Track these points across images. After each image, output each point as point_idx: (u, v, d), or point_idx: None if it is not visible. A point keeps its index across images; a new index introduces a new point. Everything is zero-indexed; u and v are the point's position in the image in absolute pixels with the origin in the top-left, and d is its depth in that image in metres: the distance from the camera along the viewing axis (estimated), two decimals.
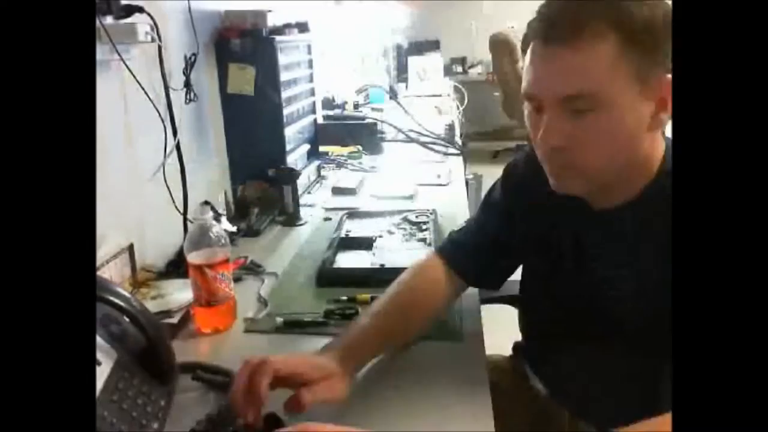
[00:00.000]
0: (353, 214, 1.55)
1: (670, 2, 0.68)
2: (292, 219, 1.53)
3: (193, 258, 0.96)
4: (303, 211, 1.59)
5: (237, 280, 1.19)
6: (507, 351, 1.18)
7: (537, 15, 0.73)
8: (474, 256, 0.97)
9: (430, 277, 0.96)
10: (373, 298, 1.00)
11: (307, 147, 1.84)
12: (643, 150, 0.75)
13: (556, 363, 0.94)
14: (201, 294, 0.97)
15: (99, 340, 0.70)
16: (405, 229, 1.42)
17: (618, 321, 0.80)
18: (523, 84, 0.75)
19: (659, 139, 0.77)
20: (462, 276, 0.97)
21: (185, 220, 1.29)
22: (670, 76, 0.69)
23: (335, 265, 1.23)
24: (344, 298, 1.07)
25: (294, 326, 0.99)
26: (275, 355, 0.73)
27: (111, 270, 1.06)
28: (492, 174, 1.15)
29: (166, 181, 1.22)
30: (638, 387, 0.80)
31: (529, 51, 0.74)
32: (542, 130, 0.72)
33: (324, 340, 0.95)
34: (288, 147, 1.60)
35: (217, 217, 1.42)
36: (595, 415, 0.92)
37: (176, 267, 1.22)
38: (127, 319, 0.72)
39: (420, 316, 0.92)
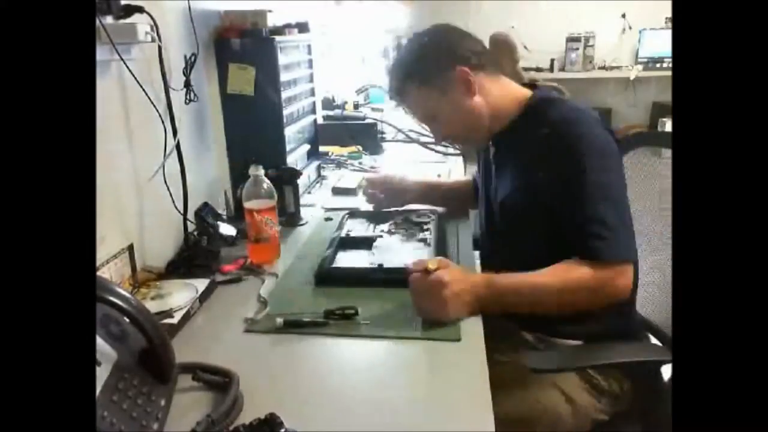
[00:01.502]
0: (354, 213, 1.55)
1: (428, 37, 1.22)
2: (292, 219, 1.53)
3: (250, 204, 1.26)
4: (303, 211, 1.59)
5: (237, 280, 1.19)
6: None
7: None
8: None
9: None
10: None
11: (307, 147, 1.84)
12: (484, 105, 1.19)
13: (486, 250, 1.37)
14: (254, 232, 1.26)
15: (99, 340, 0.70)
16: (405, 229, 1.42)
17: (504, 215, 1.23)
18: None
19: (508, 90, 1.23)
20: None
21: (185, 220, 1.29)
22: (456, 67, 1.16)
23: (334, 265, 1.23)
24: (338, 306, 1.06)
25: (294, 326, 0.99)
26: None
27: (111, 270, 1.06)
28: None
29: (166, 181, 1.21)
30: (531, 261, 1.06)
31: None
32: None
33: (324, 340, 0.95)
34: (288, 147, 1.60)
35: (216, 218, 1.43)
36: None
37: (176, 267, 1.22)
38: (127, 320, 0.72)
39: None
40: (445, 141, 1.35)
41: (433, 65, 1.18)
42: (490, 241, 1.33)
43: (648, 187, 1.31)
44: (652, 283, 1.31)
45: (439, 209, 1.53)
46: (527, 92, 1.22)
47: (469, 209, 1.59)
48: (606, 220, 1.03)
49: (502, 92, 1.21)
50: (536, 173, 1.11)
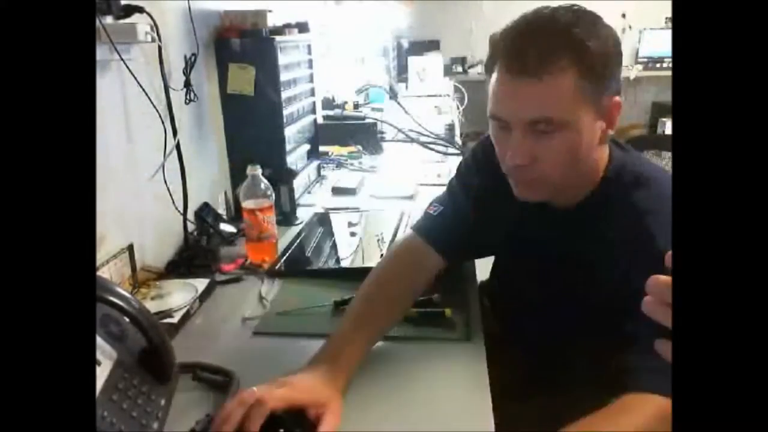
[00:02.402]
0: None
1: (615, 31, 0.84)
2: (288, 218, 1.53)
3: (248, 204, 1.26)
4: (303, 211, 1.59)
5: (237, 280, 1.19)
6: None
7: (505, 47, 0.82)
8: (450, 231, 1.04)
9: (411, 258, 1.02)
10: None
11: (307, 147, 1.84)
12: (593, 161, 0.87)
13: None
14: (253, 231, 1.26)
15: (99, 340, 0.70)
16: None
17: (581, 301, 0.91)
18: (491, 106, 0.85)
19: (604, 149, 0.89)
20: (440, 252, 1.02)
21: (185, 220, 1.29)
22: (617, 97, 0.83)
23: None
24: (347, 297, 1.07)
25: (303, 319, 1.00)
26: (266, 388, 0.73)
27: (111, 270, 1.06)
28: None
29: (166, 181, 1.21)
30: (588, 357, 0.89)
31: (496, 76, 0.83)
32: (509, 149, 0.83)
33: (324, 340, 0.95)
34: (288, 147, 1.60)
35: (216, 218, 1.43)
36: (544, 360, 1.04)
37: (176, 267, 1.22)
38: (127, 320, 0.72)
39: (405, 297, 0.97)
40: (527, 164, 0.83)
41: (609, 66, 0.82)
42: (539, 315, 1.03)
43: None
44: None
45: None
46: (607, 155, 0.91)
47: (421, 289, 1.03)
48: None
49: (602, 154, 0.90)
50: (621, 263, 0.83)
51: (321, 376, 0.79)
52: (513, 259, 1.09)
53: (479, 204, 1.04)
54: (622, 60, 0.86)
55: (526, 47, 0.79)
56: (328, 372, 0.80)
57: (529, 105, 0.80)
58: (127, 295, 0.73)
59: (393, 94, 3.08)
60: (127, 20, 1.06)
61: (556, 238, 0.95)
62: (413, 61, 3.93)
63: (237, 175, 1.55)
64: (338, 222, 1.54)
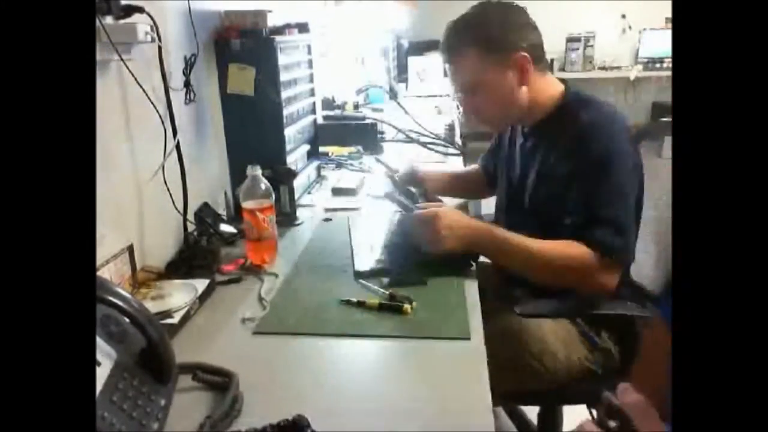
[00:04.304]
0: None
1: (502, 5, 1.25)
2: (288, 219, 1.53)
3: (248, 204, 1.26)
4: (303, 212, 1.59)
5: (237, 280, 1.19)
6: None
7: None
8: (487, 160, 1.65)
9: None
10: (381, 305, 1.04)
11: (307, 147, 1.84)
12: (526, 97, 1.24)
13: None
14: (253, 232, 1.26)
15: (99, 340, 0.70)
16: None
17: (527, 202, 1.30)
18: None
19: (548, 86, 1.27)
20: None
21: (185, 220, 1.28)
22: (520, 53, 1.21)
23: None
24: (354, 300, 1.06)
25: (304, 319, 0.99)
26: None
27: (111, 270, 1.05)
28: None
29: (166, 181, 1.21)
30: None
31: None
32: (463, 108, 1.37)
33: (324, 340, 0.95)
34: (288, 147, 1.60)
35: (216, 218, 1.43)
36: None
37: (176, 267, 1.22)
38: (127, 320, 0.72)
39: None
40: (473, 115, 1.30)
41: (501, 39, 1.21)
42: (509, 221, 1.36)
43: (648, 188, 1.31)
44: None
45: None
46: (561, 89, 1.27)
47: (480, 196, 1.73)
48: (621, 223, 1.12)
49: (543, 87, 1.26)
50: (564, 169, 1.18)
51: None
52: (499, 179, 1.48)
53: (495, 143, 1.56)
54: (529, 29, 1.23)
55: (444, 41, 1.27)
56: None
57: (454, 79, 1.29)
58: (127, 295, 0.73)
59: (393, 95, 3.09)
60: (127, 20, 1.06)
61: (520, 154, 1.35)
62: (413, 61, 3.93)
63: (237, 175, 1.55)
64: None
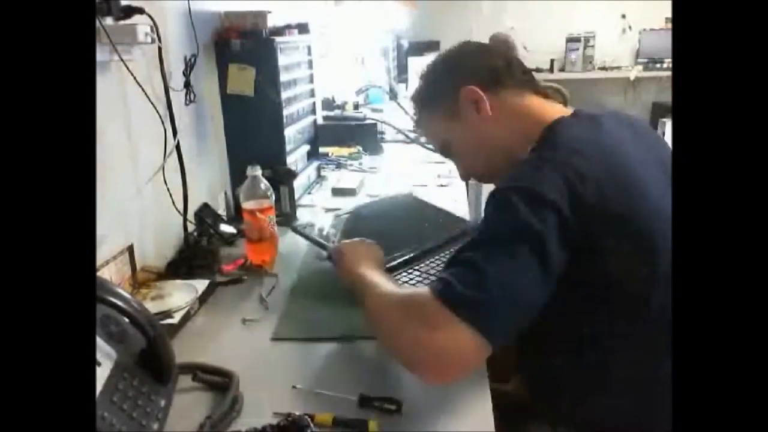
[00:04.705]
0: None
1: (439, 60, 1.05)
2: (288, 219, 1.53)
3: (248, 205, 1.25)
4: (303, 212, 1.59)
5: (237, 281, 1.19)
6: None
7: None
8: None
9: None
10: None
11: (307, 147, 1.84)
12: (502, 132, 0.96)
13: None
14: (253, 232, 1.25)
15: (99, 340, 0.70)
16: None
17: None
18: None
19: (535, 108, 0.96)
20: None
21: (185, 220, 1.29)
22: (463, 89, 0.96)
23: None
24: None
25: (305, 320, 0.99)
26: None
27: (111, 270, 1.06)
28: None
29: (166, 181, 1.21)
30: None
31: None
32: None
33: (324, 342, 0.95)
34: (288, 147, 1.60)
35: (216, 218, 1.43)
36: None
37: (176, 267, 1.22)
38: (127, 320, 0.72)
39: None
40: (470, 176, 1.08)
41: (438, 87, 1.02)
42: None
43: None
44: None
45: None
46: (557, 113, 0.94)
47: None
48: (480, 269, 0.72)
49: (527, 112, 0.96)
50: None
51: None
52: None
53: None
54: (483, 55, 1.02)
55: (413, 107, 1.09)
56: None
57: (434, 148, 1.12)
58: (127, 295, 0.73)
59: (393, 95, 3.09)
60: (127, 21, 1.06)
61: None
62: (413, 62, 3.93)
63: (237, 176, 1.55)
64: None
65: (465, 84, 0.96)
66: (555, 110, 0.95)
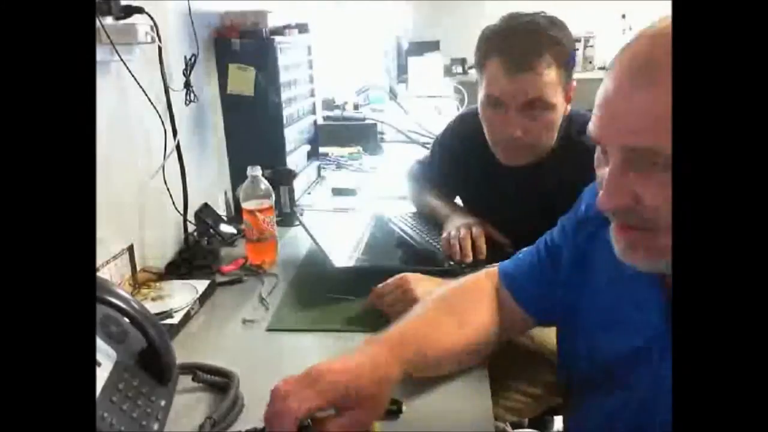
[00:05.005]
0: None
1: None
2: (288, 219, 1.53)
3: (248, 205, 1.25)
4: (304, 212, 1.59)
5: (237, 281, 1.19)
6: None
7: (500, 45, 1.07)
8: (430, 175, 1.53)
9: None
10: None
11: (307, 147, 1.84)
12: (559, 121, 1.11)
13: None
14: (253, 232, 1.25)
15: (99, 341, 0.70)
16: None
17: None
18: (490, 89, 1.09)
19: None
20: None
21: (185, 220, 1.29)
22: (573, 82, 1.11)
23: None
24: (352, 297, 1.06)
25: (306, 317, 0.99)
26: None
27: (111, 271, 1.06)
28: None
29: (165, 181, 1.21)
30: None
31: (492, 68, 1.08)
32: (506, 124, 1.09)
33: (325, 340, 0.95)
34: (288, 147, 1.60)
35: (216, 218, 1.43)
36: None
37: (176, 267, 1.22)
38: (127, 320, 0.72)
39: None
40: (525, 137, 1.08)
41: (573, 60, 1.10)
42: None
43: None
44: None
45: None
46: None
47: None
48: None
49: None
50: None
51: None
52: (490, 213, 1.25)
53: (454, 160, 1.36)
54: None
55: (520, 46, 1.05)
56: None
57: (526, 90, 1.05)
58: (127, 295, 0.73)
59: (393, 95, 3.09)
60: (127, 21, 1.06)
61: (524, 189, 1.19)
62: (413, 62, 3.93)
63: (237, 176, 1.55)
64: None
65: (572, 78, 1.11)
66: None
